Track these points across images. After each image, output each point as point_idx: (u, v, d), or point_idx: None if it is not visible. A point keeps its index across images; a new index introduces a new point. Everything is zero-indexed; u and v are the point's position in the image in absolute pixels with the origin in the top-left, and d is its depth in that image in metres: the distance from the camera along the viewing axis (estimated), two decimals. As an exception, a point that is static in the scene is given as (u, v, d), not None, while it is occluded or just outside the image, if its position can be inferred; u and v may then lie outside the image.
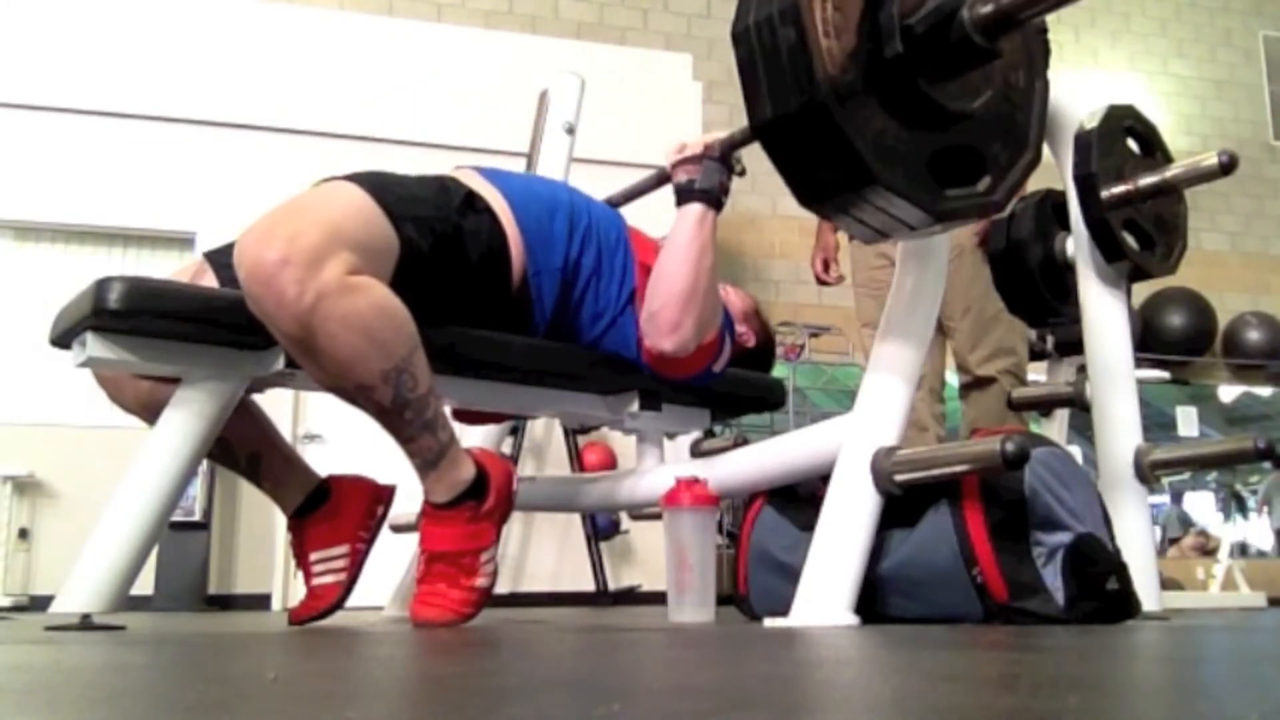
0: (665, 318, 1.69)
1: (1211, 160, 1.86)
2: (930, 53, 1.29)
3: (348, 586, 1.70)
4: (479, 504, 1.52)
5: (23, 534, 4.65)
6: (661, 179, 1.86)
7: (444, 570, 1.51)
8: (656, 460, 2.10)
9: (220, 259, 1.62)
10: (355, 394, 1.40)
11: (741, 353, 2.08)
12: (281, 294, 1.29)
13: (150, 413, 1.60)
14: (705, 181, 1.70)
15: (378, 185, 1.50)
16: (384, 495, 1.78)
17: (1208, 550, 6.42)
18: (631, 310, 1.79)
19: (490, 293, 1.64)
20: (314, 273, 1.30)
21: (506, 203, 1.67)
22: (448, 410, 1.59)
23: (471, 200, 1.62)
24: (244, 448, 1.73)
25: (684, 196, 1.72)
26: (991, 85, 1.38)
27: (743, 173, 1.74)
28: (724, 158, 1.71)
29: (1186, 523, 6.60)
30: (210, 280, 1.62)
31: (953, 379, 2.96)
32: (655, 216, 1.96)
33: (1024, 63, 1.46)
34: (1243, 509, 6.66)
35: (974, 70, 1.34)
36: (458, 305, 1.60)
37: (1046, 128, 1.47)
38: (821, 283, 3.16)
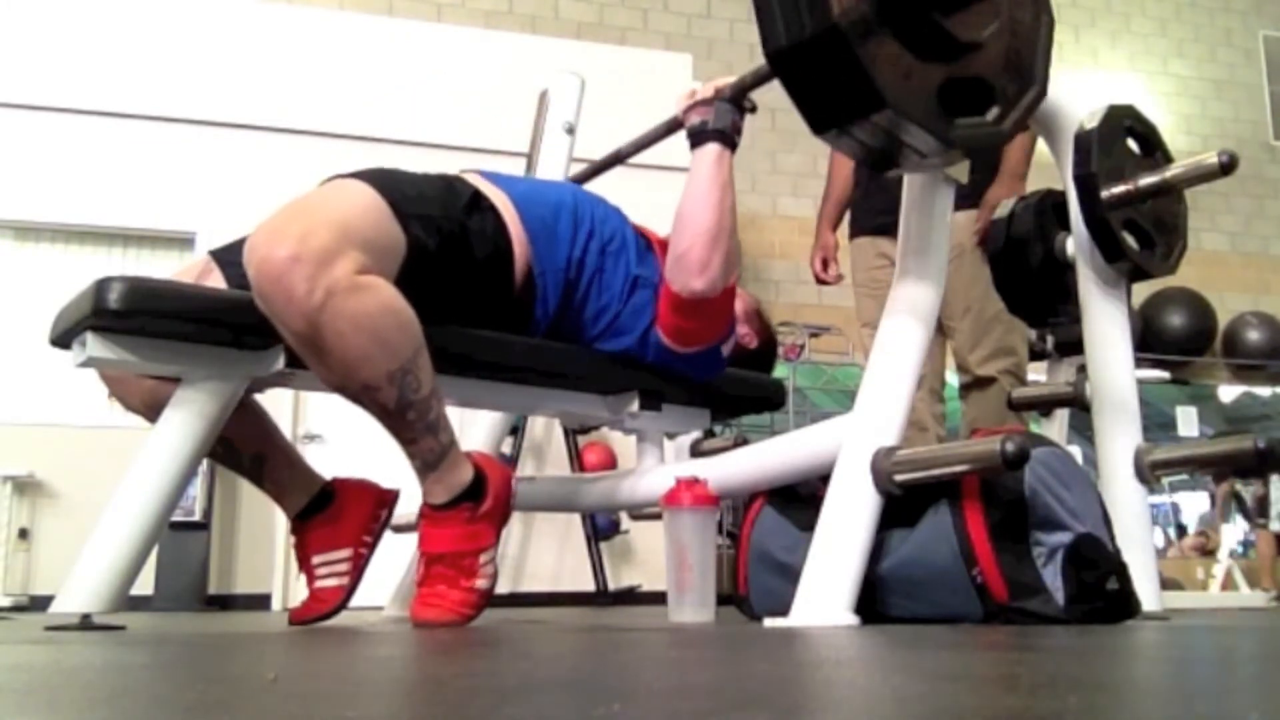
0: (694, 257, 1.69)
1: (1211, 160, 1.85)
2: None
3: (350, 590, 1.70)
4: (476, 505, 1.52)
5: (23, 534, 4.65)
6: (672, 126, 1.87)
7: (443, 572, 1.51)
8: (656, 460, 2.10)
9: (227, 257, 1.63)
10: (360, 394, 1.40)
11: (743, 353, 2.08)
12: (291, 291, 1.29)
13: (153, 411, 1.60)
14: (719, 122, 1.71)
15: (387, 184, 1.50)
16: (388, 499, 1.78)
17: (1208, 550, 6.43)
18: (636, 300, 1.79)
19: (493, 291, 1.64)
20: (324, 271, 1.30)
21: (511, 203, 1.67)
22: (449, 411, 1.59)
23: (477, 200, 1.63)
24: (248, 448, 1.73)
25: (699, 138, 1.73)
26: (999, 18, 1.42)
27: (754, 109, 1.76)
28: (735, 99, 1.73)
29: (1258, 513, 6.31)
30: (216, 279, 1.62)
31: (952, 379, 2.96)
32: (658, 215, 1.95)
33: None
34: (1243, 509, 6.66)
35: (983, 1, 1.38)
36: (461, 303, 1.61)
37: (1050, 61, 1.51)
38: (821, 282, 3.16)
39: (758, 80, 1.67)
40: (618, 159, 2.19)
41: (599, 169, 2.25)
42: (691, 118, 1.75)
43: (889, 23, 1.30)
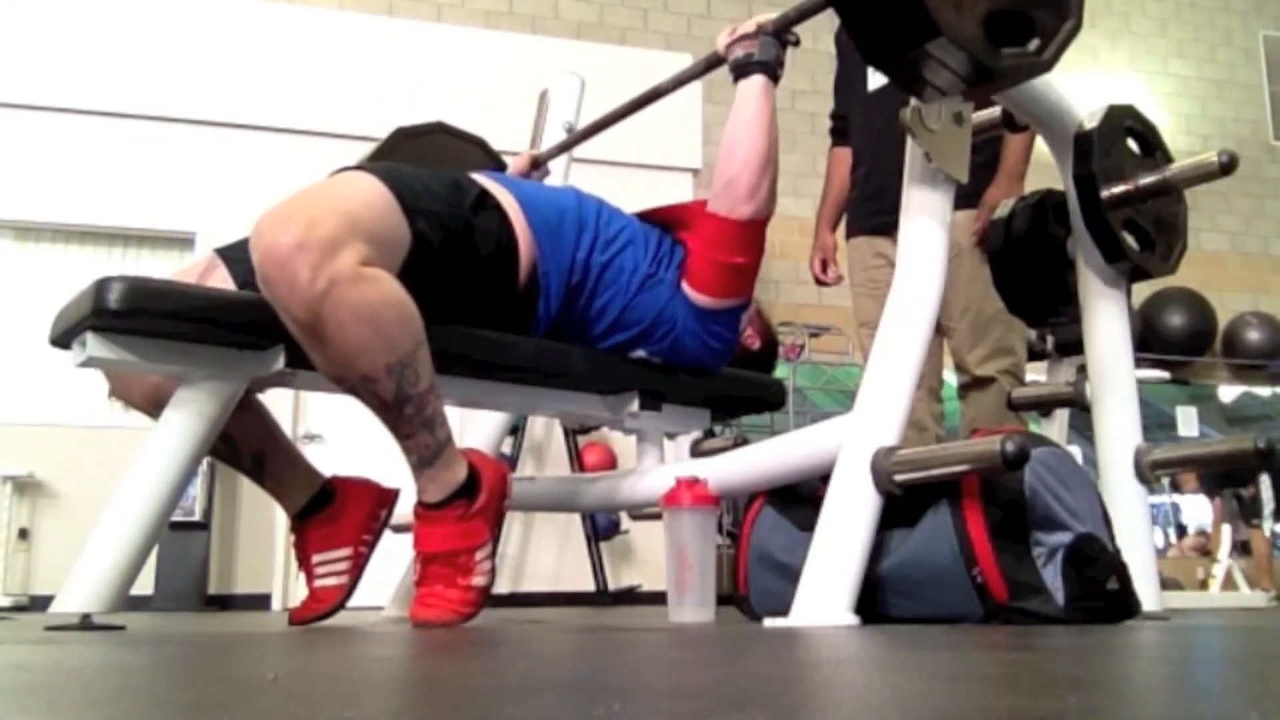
0: (744, 181, 1.73)
1: (1211, 160, 1.85)
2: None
3: (349, 589, 1.70)
4: (470, 503, 1.52)
5: (23, 534, 4.65)
6: (712, 63, 1.88)
7: (440, 571, 1.51)
8: (656, 460, 2.10)
9: (232, 254, 1.63)
10: (358, 385, 1.41)
11: (745, 355, 2.08)
12: (295, 278, 1.30)
13: (156, 407, 1.60)
14: (763, 54, 1.75)
15: (394, 178, 1.50)
16: (387, 499, 1.78)
17: (1207, 550, 6.43)
18: (644, 296, 1.80)
19: (497, 290, 1.65)
20: (328, 260, 1.30)
21: (517, 203, 1.68)
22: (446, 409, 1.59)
23: (484, 198, 1.63)
24: (249, 446, 1.73)
25: (743, 71, 1.76)
26: None
27: (797, 43, 1.79)
28: (778, 33, 1.76)
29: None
30: (221, 275, 1.63)
31: (950, 378, 2.95)
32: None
33: None
34: (1242, 509, 6.66)
35: None
36: (463, 300, 1.61)
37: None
38: (820, 283, 3.16)
39: (801, 15, 1.71)
40: (656, 95, 2.12)
41: (620, 115, 2.21)
42: (736, 51, 1.77)
43: None
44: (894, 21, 1.38)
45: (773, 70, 1.76)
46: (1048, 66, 1.52)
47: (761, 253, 1.85)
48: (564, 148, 2.42)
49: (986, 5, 1.42)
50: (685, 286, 1.81)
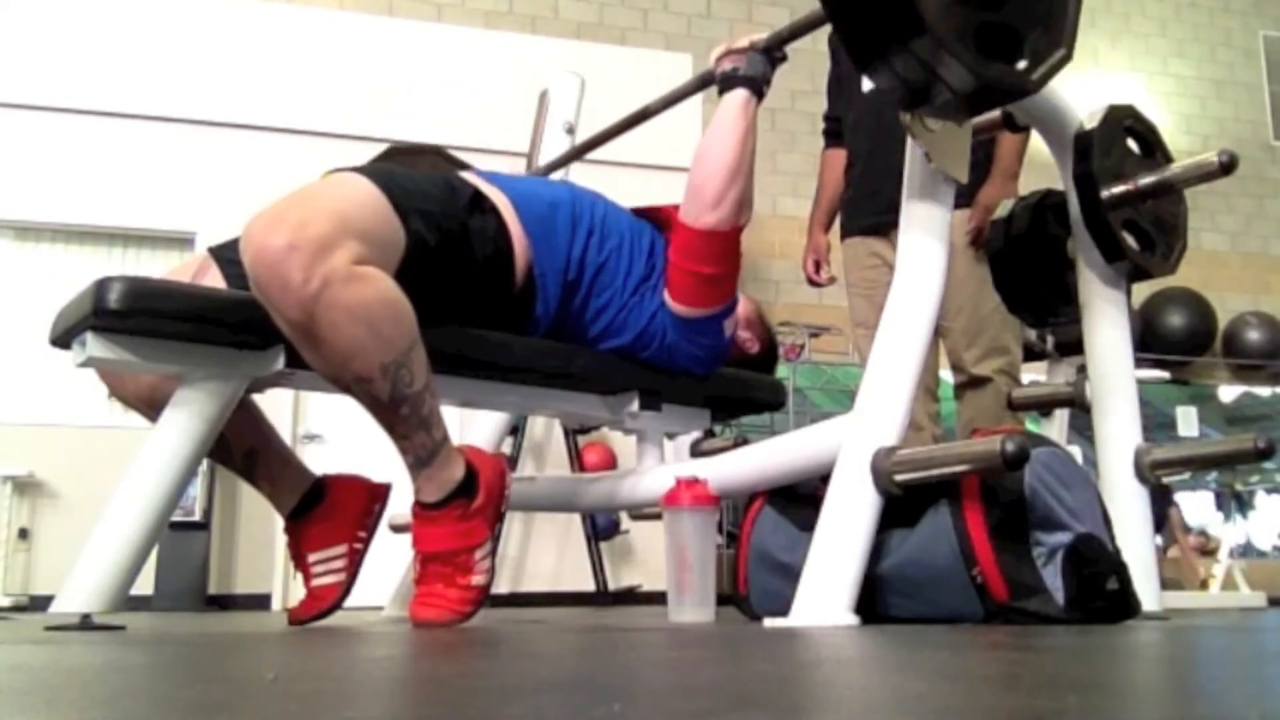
0: (710, 189, 1.73)
1: (1211, 160, 1.85)
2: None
3: (347, 586, 1.70)
4: (469, 502, 1.52)
5: (23, 534, 4.65)
6: (705, 81, 1.89)
7: (439, 570, 1.51)
8: (656, 460, 2.10)
9: (225, 254, 1.63)
10: (353, 385, 1.40)
11: (745, 359, 2.08)
12: (287, 279, 1.29)
13: (153, 409, 1.60)
14: (750, 69, 1.75)
15: (386, 179, 1.50)
16: (380, 494, 1.78)
17: (1207, 550, 6.42)
18: (639, 299, 1.80)
19: (494, 291, 1.64)
20: (321, 260, 1.30)
21: (510, 203, 1.68)
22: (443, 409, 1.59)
23: (478, 200, 1.63)
24: (240, 444, 1.73)
25: (728, 84, 1.76)
26: None
27: (784, 59, 1.79)
28: (768, 50, 1.76)
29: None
30: (214, 275, 1.62)
31: (947, 376, 2.96)
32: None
33: None
34: (1243, 509, 6.66)
35: None
36: (460, 302, 1.61)
37: (1078, 27, 1.54)
38: (813, 284, 3.16)
39: (794, 33, 1.71)
40: (646, 115, 2.13)
41: (617, 131, 2.22)
42: (724, 64, 1.78)
43: None
44: (883, 17, 1.37)
45: (758, 86, 1.75)
46: (1035, 88, 1.49)
47: (734, 264, 1.83)
48: (564, 160, 2.40)
49: (979, 16, 1.41)
50: (665, 294, 1.82)
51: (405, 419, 1.44)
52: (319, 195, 1.42)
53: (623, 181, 2.23)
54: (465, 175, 1.72)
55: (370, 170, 1.52)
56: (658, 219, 1.91)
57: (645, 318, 1.80)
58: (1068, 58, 1.50)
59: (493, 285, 1.64)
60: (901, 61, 1.39)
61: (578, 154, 2.27)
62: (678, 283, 1.80)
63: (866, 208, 2.89)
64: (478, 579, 1.52)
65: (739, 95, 1.74)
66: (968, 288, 2.71)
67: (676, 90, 2.03)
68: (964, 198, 2.68)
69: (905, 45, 1.36)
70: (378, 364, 1.37)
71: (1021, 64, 1.46)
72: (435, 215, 1.53)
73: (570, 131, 2.56)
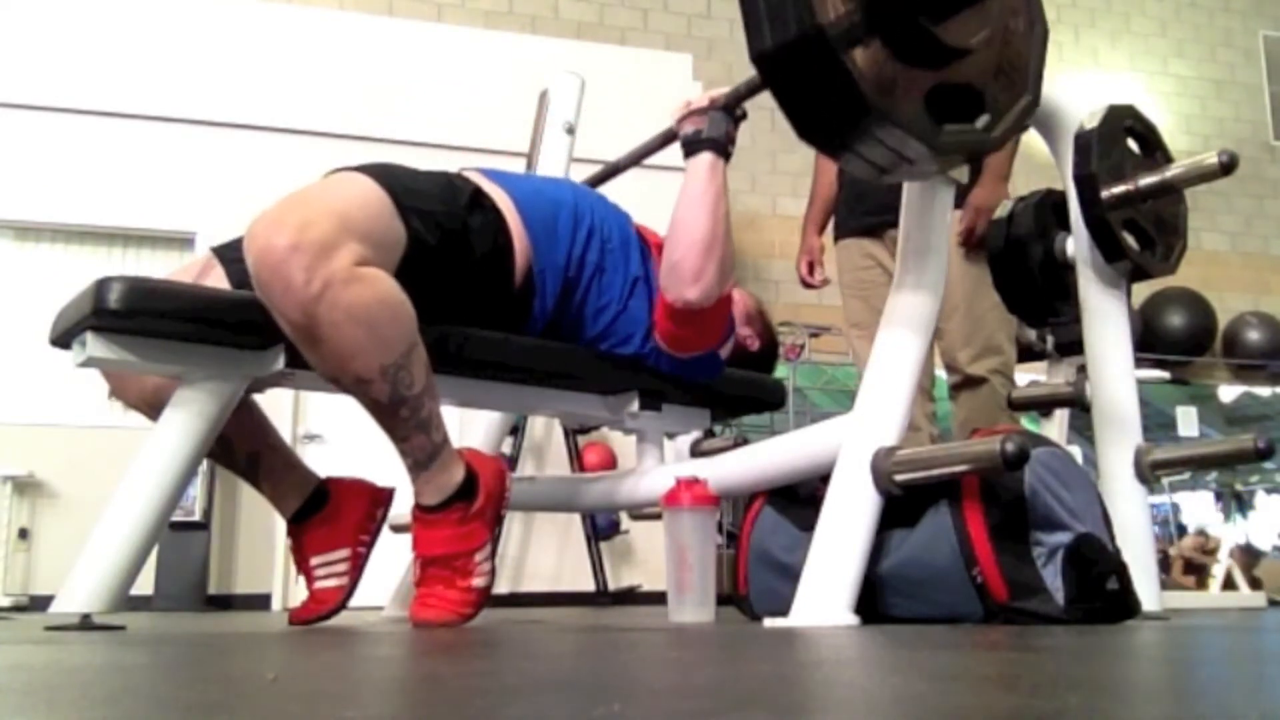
0: (688, 266, 1.70)
1: (1211, 160, 1.85)
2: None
3: (349, 590, 1.70)
4: (469, 505, 1.52)
5: (23, 534, 4.65)
6: (668, 138, 1.88)
7: (439, 573, 1.51)
8: (656, 460, 2.10)
9: (229, 254, 1.63)
10: (352, 386, 1.40)
11: (745, 355, 2.08)
12: (289, 280, 1.29)
13: (154, 409, 1.60)
14: (712, 131, 1.73)
15: (388, 178, 1.50)
16: (383, 497, 1.78)
17: (1208, 550, 6.42)
18: (636, 302, 1.80)
19: (493, 289, 1.64)
20: (323, 261, 1.30)
21: (511, 201, 1.67)
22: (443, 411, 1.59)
23: (478, 197, 1.63)
24: (244, 446, 1.73)
25: (692, 147, 1.74)
26: (990, 25, 1.40)
27: (744, 116, 1.77)
28: (728, 108, 1.74)
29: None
30: (217, 275, 1.62)
31: (942, 375, 2.96)
32: (659, 216, 1.95)
33: (1023, 8, 1.49)
34: (1243, 509, 6.65)
35: (973, 6, 1.36)
36: (459, 300, 1.61)
37: (1043, 70, 1.50)
38: (806, 285, 3.17)
39: (752, 90, 1.67)
40: (615, 171, 2.20)
41: (596, 181, 2.26)
42: (686, 127, 1.75)
43: (877, 28, 1.29)
44: (825, 99, 1.30)
45: (722, 146, 1.73)
46: (997, 144, 1.45)
47: (723, 318, 1.83)
48: (602, 176, 2.38)
49: (931, 80, 1.35)
50: (654, 334, 1.81)
51: (405, 421, 1.44)
52: (322, 195, 1.42)
53: (623, 181, 2.23)
54: (467, 173, 1.72)
55: (372, 169, 1.52)
56: (644, 241, 1.90)
57: (645, 327, 1.81)
58: (1035, 103, 1.47)
59: (493, 282, 1.64)
60: (853, 139, 1.34)
61: (614, 171, 2.26)
62: (665, 334, 1.81)
63: (860, 209, 2.89)
64: (478, 581, 1.52)
65: (704, 160, 1.72)
66: (962, 288, 2.71)
67: (643, 145, 2.04)
68: (956, 199, 2.68)
69: (855, 125, 1.31)
70: (377, 366, 1.37)
71: (983, 119, 1.41)
72: (436, 214, 1.53)
73: (570, 131, 2.56)
